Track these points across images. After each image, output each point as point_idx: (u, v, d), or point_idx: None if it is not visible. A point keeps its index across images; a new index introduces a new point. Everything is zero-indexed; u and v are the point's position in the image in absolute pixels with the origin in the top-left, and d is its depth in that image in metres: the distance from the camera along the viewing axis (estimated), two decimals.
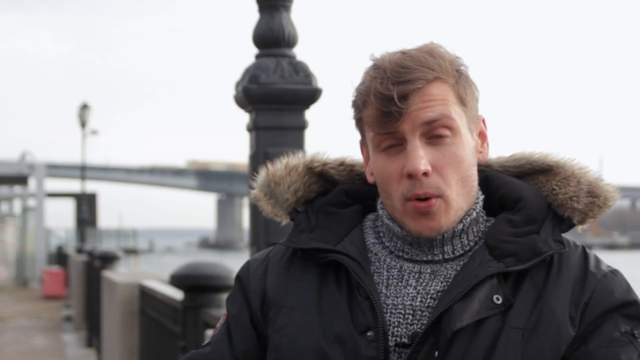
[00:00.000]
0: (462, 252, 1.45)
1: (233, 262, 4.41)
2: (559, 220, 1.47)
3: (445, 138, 1.41)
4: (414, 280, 1.44)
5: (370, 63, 1.47)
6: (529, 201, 1.46)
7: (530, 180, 1.52)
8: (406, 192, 1.42)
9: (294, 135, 3.31)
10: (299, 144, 3.27)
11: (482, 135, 1.51)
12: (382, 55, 1.46)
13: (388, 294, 1.44)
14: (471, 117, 1.46)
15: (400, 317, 1.41)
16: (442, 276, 1.43)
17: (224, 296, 3.85)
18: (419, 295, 1.42)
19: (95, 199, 38.35)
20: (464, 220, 1.45)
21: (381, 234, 1.51)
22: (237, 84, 3.40)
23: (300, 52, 3.38)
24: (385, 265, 1.47)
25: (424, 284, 1.43)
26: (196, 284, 4.05)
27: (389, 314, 1.41)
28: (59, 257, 24.72)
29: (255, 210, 3.30)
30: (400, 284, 1.44)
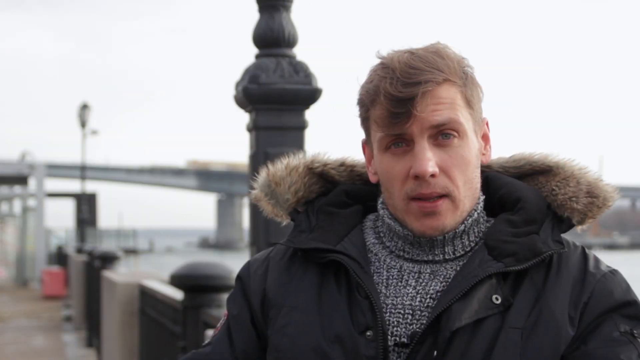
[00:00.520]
0: (462, 252, 1.46)
1: (233, 262, 4.41)
2: (559, 220, 1.47)
3: (452, 140, 1.42)
4: (414, 280, 1.44)
5: (377, 61, 1.46)
6: (529, 202, 1.46)
7: (530, 181, 1.52)
8: (410, 191, 1.42)
9: (294, 135, 3.31)
10: (299, 144, 3.28)
11: (485, 138, 1.51)
12: (390, 54, 1.45)
13: (388, 293, 1.44)
14: (477, 119, 1.46)
15: (399, 317, 1.41)
16: (442, 276, 1.44)
17: (224, 296, 3.86)
18: (419, 295, 1.42)
19: (95, 199, 38.35)
20: (465, 221, 1.46)
21: (381, 234, 1.51)
22: (237, 84, 3.40)
23: (300, 52, 3.38)
24: (385, 265, 1.47)
25: (424, 284, 1.44)
26: (196, 284, 4.05)
27: (388, 314, 1.42)
28: (59, 257, 24.72)
29: (255, 211, 3.30)
30: (399, 283, 1.45)
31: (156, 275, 7.24)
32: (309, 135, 3.35)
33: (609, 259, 1.55)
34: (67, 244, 30.90)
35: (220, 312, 3.78)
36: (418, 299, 1.42)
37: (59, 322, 15.78)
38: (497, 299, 1.38)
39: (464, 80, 1.44)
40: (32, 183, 29.50)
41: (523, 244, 1.41)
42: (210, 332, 3.53)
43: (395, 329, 1.41)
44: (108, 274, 8.26)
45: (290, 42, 3.35)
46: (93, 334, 11.33)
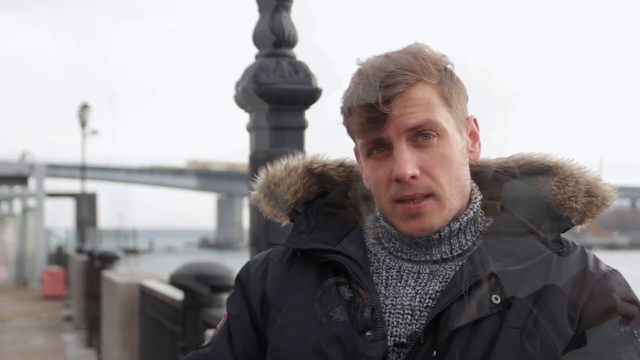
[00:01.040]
0: (460, 251, 1.46)
1: (233, 262, 4.41)
2: (558, 220, 1.47)
3: (432, 140, 1.41)
4: (413, 281, 1.44)
5: (356, 68, 1.46)
6: (528, 201, 1.46)
7: (530, 181, 1.52)
8: (394, 194, 1.42)
9: (294, 135, 3.31)
10: (298, 144, 3.28)
11: (474, 135, 1.50)
12: (367, 59, 1.45)
13: (387, 294, 1.44)
14: (458, 116, 1.46)
15: (399, 317, 1.41)
16: (441, 276, 1.44)
17: (224, 296, 3.86)
18: (418, 296, 1.42)
19: (95, 199, 38.35)
20: (460, 220, 1.46)
21: (380, 235, 1.52)
22: (237, 84, 3.40)
23: (300, 52, 3.38)
24: (384, 266, 1.47)
25: (423, 284, 1.44)
26: (196, 284, 4.05)
27: (387, 314, 1.42)
28: (59, 257, 24.71)
29: (255, 211, 3.30)
30: (399, 284, 1.45)
31: (156, 275, 7.24)
32: (309, 135, 3.35)
33: (609, 259, 1.55)
34: (67, 244, 30.90)
35: (221, 312, 3.78)
36: (417, 299, 1.42)
37: (59, 322, 15.77)
38: (496, 299, 1.38)
39: (440, 78, 1.43)
40: (32, 183, 29.49)
41: (522, 243, 1.41)
42: (210, 332, 3.53)
43: (394, 329, 1.41)
44: (108, 274, 8.26)
45: (290, 42, 3.35)
46: (93, 334, 11.33)
